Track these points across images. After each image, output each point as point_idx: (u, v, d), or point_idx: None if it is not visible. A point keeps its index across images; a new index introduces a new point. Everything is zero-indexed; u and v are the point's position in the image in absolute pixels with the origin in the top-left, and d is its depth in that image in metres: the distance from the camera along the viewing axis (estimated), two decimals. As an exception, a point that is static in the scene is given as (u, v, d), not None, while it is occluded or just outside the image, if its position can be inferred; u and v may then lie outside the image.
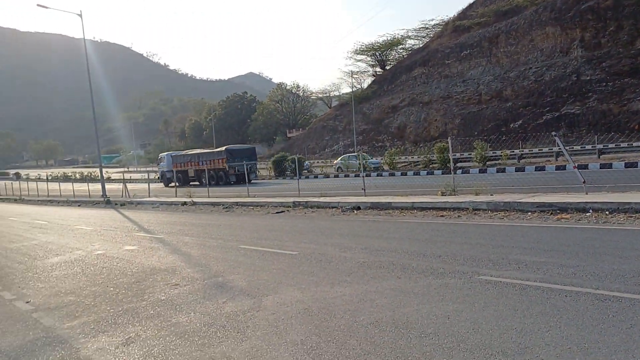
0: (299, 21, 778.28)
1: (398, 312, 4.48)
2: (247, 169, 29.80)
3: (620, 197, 9.66)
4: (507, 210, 10.14)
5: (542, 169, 22.72)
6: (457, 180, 14.66)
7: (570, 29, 39.24)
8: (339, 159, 38.08)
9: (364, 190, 15.67)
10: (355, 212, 12.84)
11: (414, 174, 28.04)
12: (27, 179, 53.17)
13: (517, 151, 29.75)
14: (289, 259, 7.47)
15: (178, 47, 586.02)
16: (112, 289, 6.52)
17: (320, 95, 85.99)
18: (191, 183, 35.92)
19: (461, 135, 39.59)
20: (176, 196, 23.34)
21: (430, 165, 30.73)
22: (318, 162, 47.20)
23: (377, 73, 68.74)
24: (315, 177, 33.81)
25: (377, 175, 29.65)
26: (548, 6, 42.02)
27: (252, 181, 24.81)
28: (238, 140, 76.84)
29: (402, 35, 66.50)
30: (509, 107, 41.00)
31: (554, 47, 40.47)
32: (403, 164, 35.83)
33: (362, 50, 68.46)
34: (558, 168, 21.70)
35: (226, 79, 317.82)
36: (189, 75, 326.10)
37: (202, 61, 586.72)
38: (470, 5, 57.21)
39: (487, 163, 27.84)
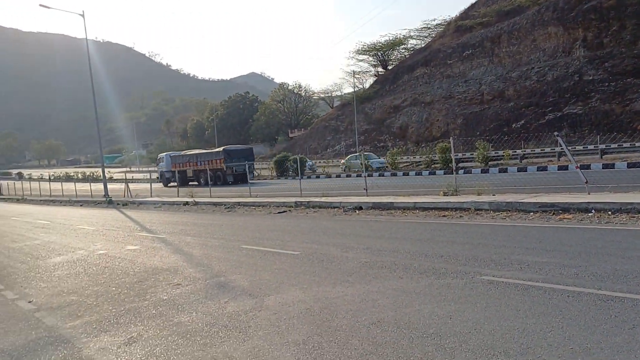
0: (297, 21, 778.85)
1: (400, 312, 4.47)
2: (248, 169, 29.97)
3: (623, 197, 9.64)
4: (510, 211, 10.12)
5: (545, 169, 22.69)
6: (459, 180, 14.65)
7: (572, 28, 39.18)
8: (346, 158, 38.11)
9: (366, 190, 15.67)
10: (357, 212, 12.84)
11: (416, 174, 28.03)
12: (30, 179, 53.35)
13: (519, 151, 29.74)
14: (291, 259, 7.48)
15: (180, 47, 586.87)
16: (114, 288, 6.53)
17: (322, 95, 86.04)
18: (190, 183, 36.02)
19: (463, 135, 39.55)
20: (178, 196, 23.37)
21: (432, 165, 30.74)
22: (320, 162, 47.24)
23: (379, 73, 68.75)
24: (317, 177, 33.83)
25: (379, 175, 29.66)
26: (550, 6, 41.96)
27: (250, 181, 24.87)
28: (240, 140, 76.96)
29: (404, 35, 66.59)
30: (511, 107, 40.95)
31: (556, 47, 40.41)
32: (405, 164, 35.84)
33: (364, 50, 68.47)
34: (560, 168, 21.67)
35: (228, 78, 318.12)
36: (191, 75, 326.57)
37: (204, 61, 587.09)
38: (473, 5, 57.19)
39: (489, 163, 27.83)
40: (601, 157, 24.97)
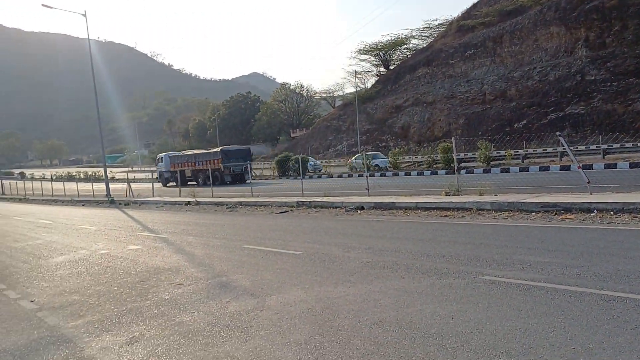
0: (299, 21, 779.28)
1: (402, 312, 4.47)
2: (249, 169, 30.07)
3: (625, 197, 9.62)
4: (511, 211, 10.11)
5: (547, 169, 22.65)
6: (461, 180, 14.63)
7: (574, 28, 39.09)
8: (353, 158, 38.12)
9: (368, 190, 15.66)
10: (359, 212, 12.84)
11: (418, 174, 28.02)
12: (32, 179, 53.41)
13: (521, 151, 29.68)
14: (292, 259, 7.48)
15: (182, 47, 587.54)
16: (116, 288, 6.54)
17: (323, 95, 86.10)
18: (188, 183, 36.12)
19: (465, 135, 39.50)
20: (180, 196, 23.40)
21: (434, 165, 30.71)
22: (322, 162, 47.27)
23: (381, 73, 68.69)
24: (319, 177, 33.85)
25: (381, 175, 29.65)
26: (552, 6, 41.87)
27: (247, 181, 24.93)
28: (242, 140, 77.08)
29: (406, 35, 66.51)
30: (513, 107, 40.89)
31: (558, 47, 40.33)
32: (407, 164, 35.84)
33: (366, 50, 68.40)
34: (562, 168, 21.63)
35: (230, 78, 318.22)
36: (193, 75, 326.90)
37: (206, 61, 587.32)
38: (475, 5, 57.09)
39: (491, 163, 27.79)
40: (603, 157, 24.91)
